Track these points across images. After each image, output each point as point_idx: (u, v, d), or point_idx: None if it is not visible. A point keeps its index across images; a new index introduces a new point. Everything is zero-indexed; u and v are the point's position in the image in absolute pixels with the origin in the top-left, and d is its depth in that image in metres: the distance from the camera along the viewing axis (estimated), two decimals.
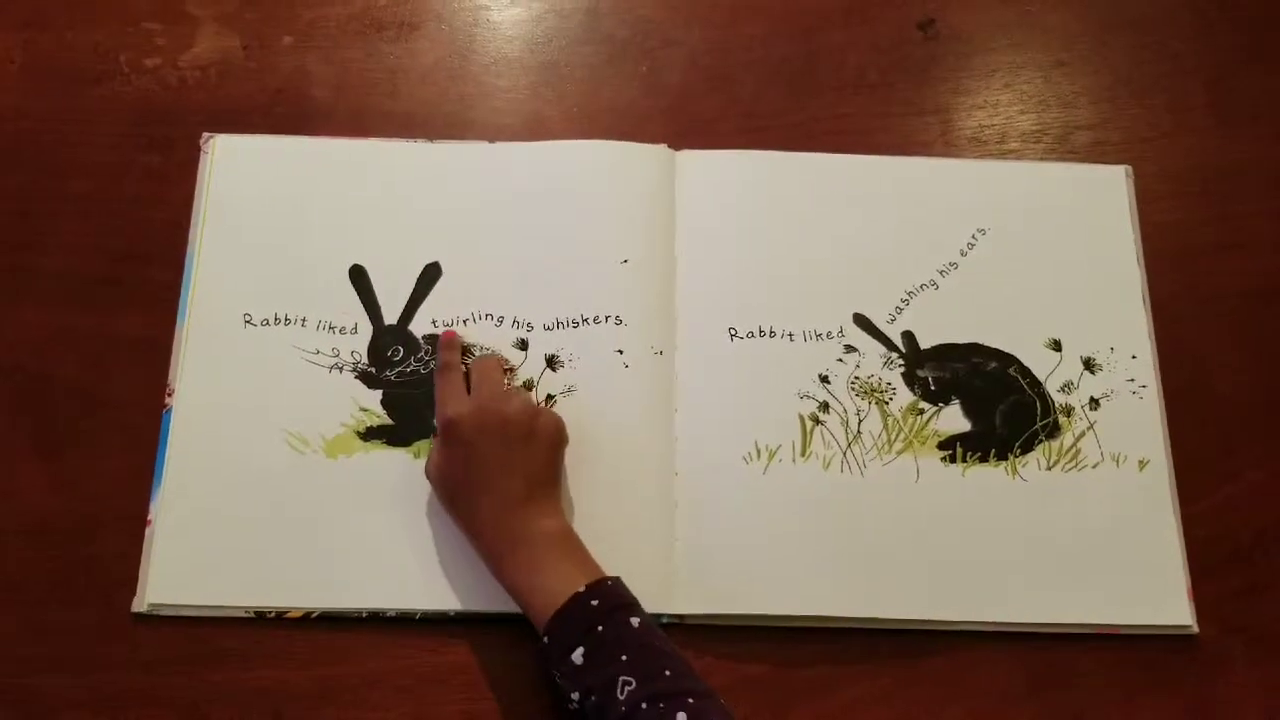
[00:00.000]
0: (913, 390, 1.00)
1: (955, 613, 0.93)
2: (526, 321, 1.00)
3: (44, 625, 0.91)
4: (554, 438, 0.92)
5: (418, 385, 0.98)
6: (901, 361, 1.01)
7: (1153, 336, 1.02)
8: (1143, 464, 0.98)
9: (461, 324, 1.00)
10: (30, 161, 1.05)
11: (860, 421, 0.99)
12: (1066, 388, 1.01)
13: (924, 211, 1.06)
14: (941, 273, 1.04)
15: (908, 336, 1.02)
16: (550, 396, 0.98)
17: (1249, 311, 1.05)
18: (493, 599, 0.91)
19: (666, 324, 1.00)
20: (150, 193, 1.04)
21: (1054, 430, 0.99)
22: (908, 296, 1.03)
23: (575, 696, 0.80)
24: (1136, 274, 1.05)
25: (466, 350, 0.98)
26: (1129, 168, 1.09)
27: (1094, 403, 1.00)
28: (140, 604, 0.91)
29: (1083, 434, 0.99)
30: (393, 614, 0.91)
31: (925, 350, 1.01)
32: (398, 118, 1.08)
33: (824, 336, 1.02)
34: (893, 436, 0.99)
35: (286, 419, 0.96)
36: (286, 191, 1.04)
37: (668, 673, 0.79)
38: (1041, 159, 1.10)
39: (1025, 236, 1.05)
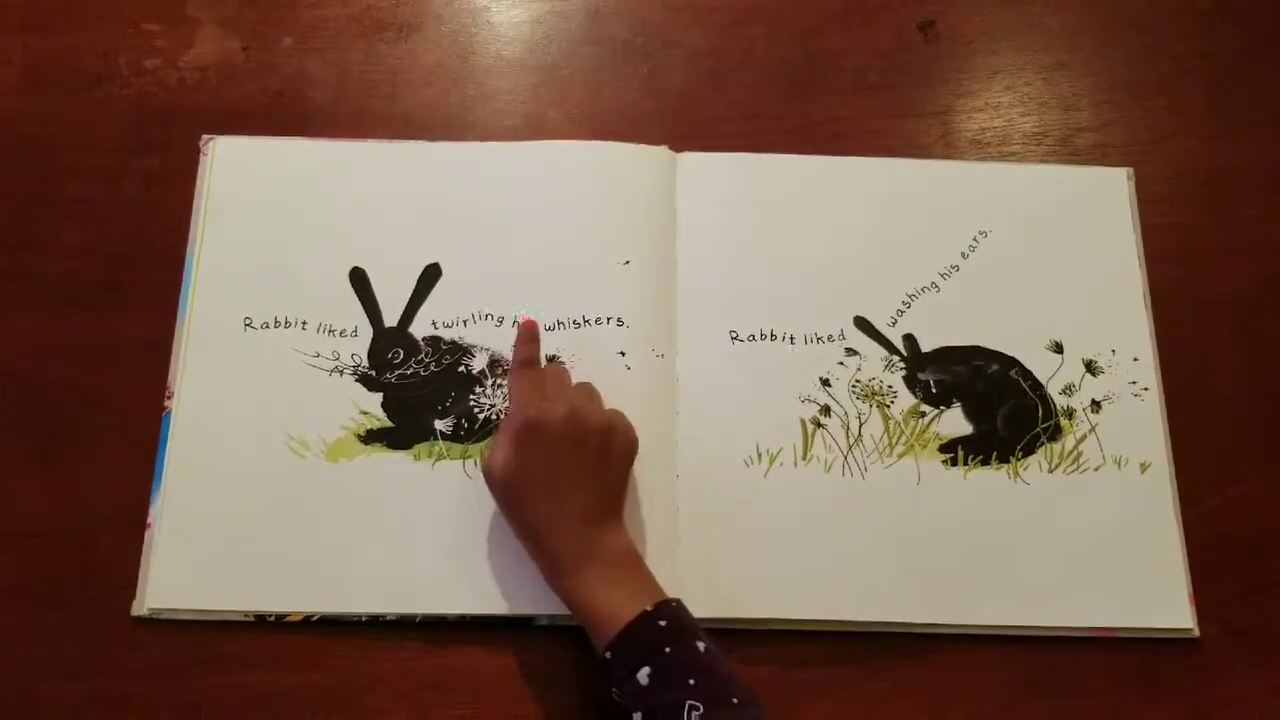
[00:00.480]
0: (914, 393, 1.00)
1: (956, 616, 0.93)
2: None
3: (43, 629, 0.91)
4: (627, 454, 0.90)
5: (418, 388, 0.98)
6: (903, 364, 1.01)
7: (1154, 339, 1.02)
8: (1144, 467, 0.98)
9: (462, 325, 1.00)
10: (29, 164, 1.04)
11: (861, 424, 0.99)
12: (1068, 390, 1.00)
13: (925, 214, 1.06)
14: (943, 275, 1.04)
15: (909, 339, 1.01)
16: None
17: (1251, 314, 1.05)
18: (493, 603, 0.91)
19: (667, 326, 1.00)
20: (150, 195, 1.04)
21: (1055, 433, 0.99)
22: (909, 299, 1.03)
23: (638, 717, 0.79)
24: (1138, 276, 1.05)
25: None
26: (1130, 170, 1.09)
27: (1095, 405, 1.00)
28: (140, 608, 0.90)
29: (1084, 437, 0.99)
30: (393, 618, 0.91)
31: (926, 353, 1.01)
32: (398, 119, 1.08)
33: (825, 339, 1.01)
34: (894, 439, 0.99)
35: (287, 422, 0.96)
36: (286, 193, 1.04)
37: (735, 700, 0.78)
38: (1043, 161, 1.10)
39: (1027, 239, 1.05)
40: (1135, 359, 1.02)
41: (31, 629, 0.91)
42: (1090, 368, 1.01)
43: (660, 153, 1.06)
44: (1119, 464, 0.98)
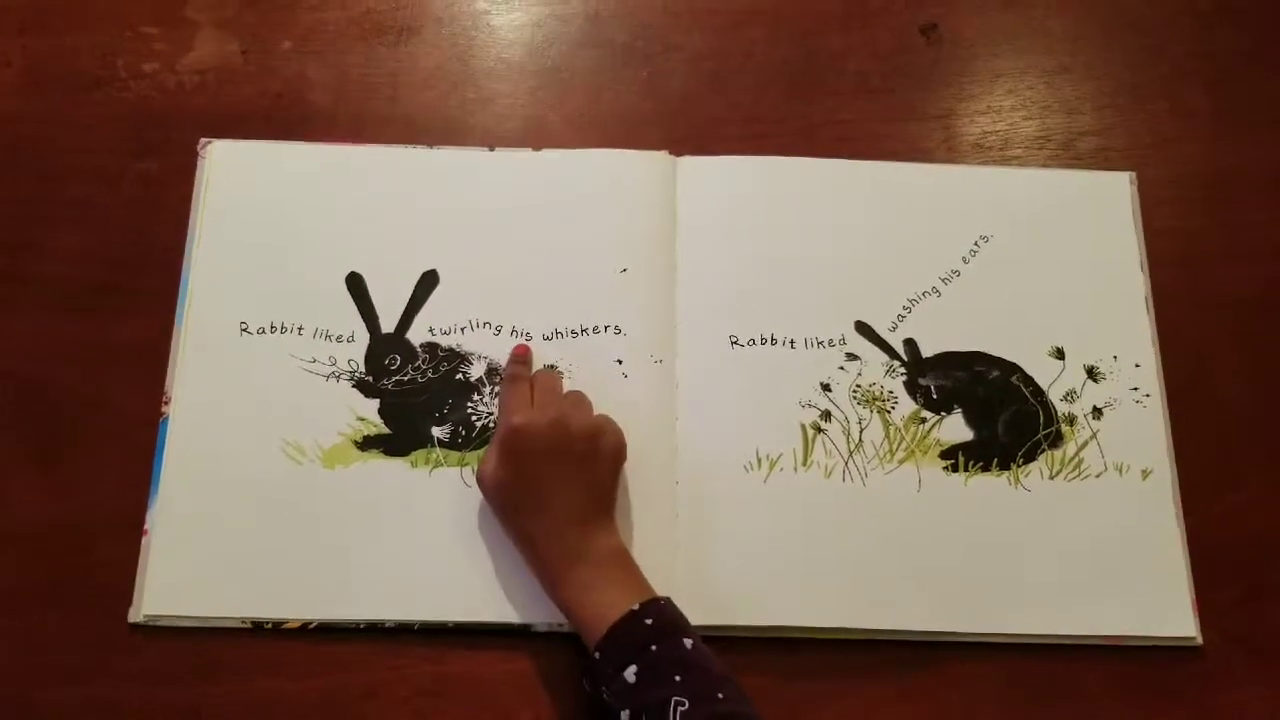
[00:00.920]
0: (915, 399, 1.00)
1: (957, 624, 0.93)
2: (525, 330, 1.00)
3: (40, 636, 0.90)
4: (616, 455, 0.91)
5: (415, 394, 0.98)
6: (903, 370, 1.00)
7: (1156, 344, 1.02)
8: (1146, 473, 0.98)
9: (459, 332, 0.99)
10: (27, 167, 1.04)
11: (862, 430, 0.98)
12: (1069, 396, 1.00)
13: (926, 218, 1.06)
14: (944, 280, 1.03)
15: (910, 344, 1.01)
16: None
17: (1253, 319, 1.05)
18: (491, 609, 0.91)
19: (666, 332, 1.00)
20: (148, 198, 1.03)
21: (1057, 439, 0.99)
22: (910, 304, 1.02)
23: (625, 715, 0.79)
24: (1140, 281, 1.04)
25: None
26: (1133, 174, 1.08)
27: (1097, 412, 1.00)
28: (137, 614, 0.90)
29: (1086, 443, 0.99)
30: (391, 625, 0.91)
31: (927, 358, 1.01)
32: (397, 123, 1.08)
33: (825, 344, 1.01)
34: (894, 445, 0.98)
35: (284, 428, 0.96)
36: (284, 197, 1.04)
37: (720, 695, 0.79)
38: (1045, 165, 1.09)
39: (1028, 243, 1.05)
40: (1137, 365, 1.01)
41: (28, 634, 0.90)
42: (1092, 374, 1.01)
43: (660, 158, 1.05)
44: (1120, 471, 0.98)
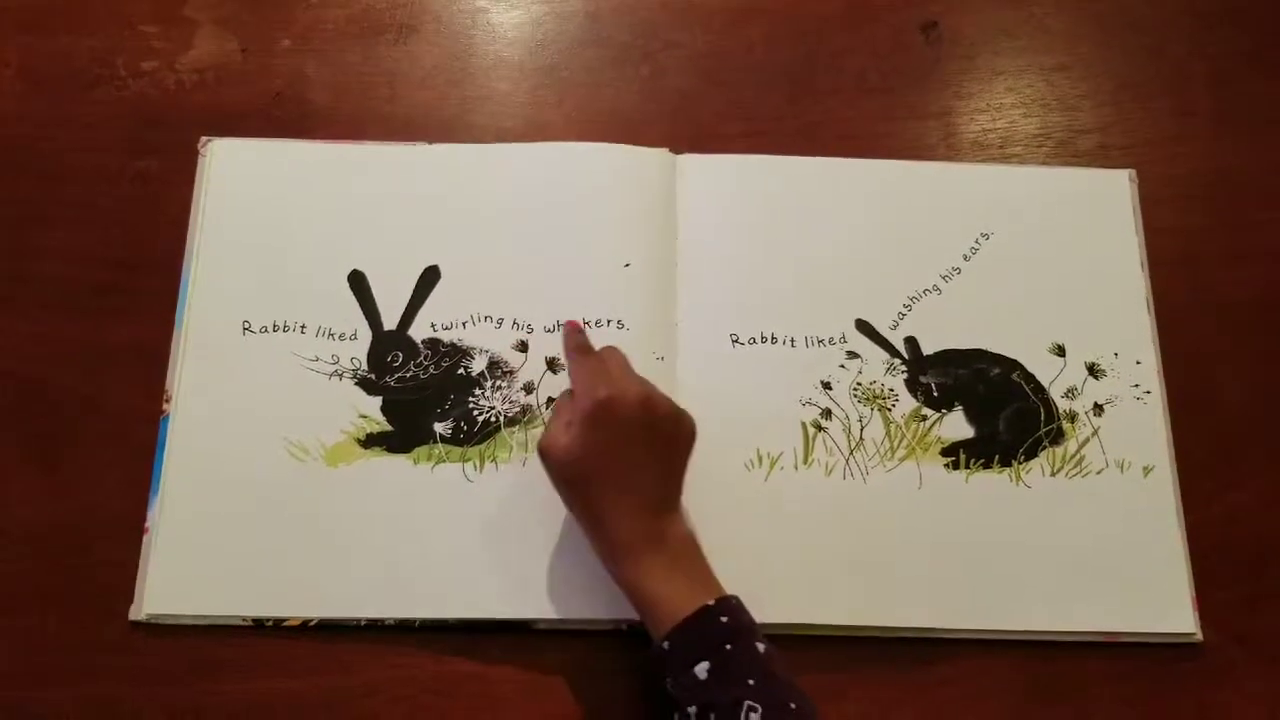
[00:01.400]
0: (915, 396, 1.00)
1: (959, 621, 0.93)
2: (527, 323, 1.00)
3: (41, 635, 0.90)
4: (691, 442, 0.89)
5: (417, 390, 0.98)
6: (904, 367, 1.01)
7: (1157, 342, 1.02)
8: (1147, 470, 0.98)
9: (461, 327, 1.00)
10: (26, 167, 1.04)
11: (863, 428, 0.99)
12: (1070, 393, 1.00)
13: (927, 216, 1.06)
14: (944, 278, 1.03)
15: (910, 342, 1.01)
16: (552, 399, 0.97)
17: (1254, 317, 1.05)
18: (492, 607, 0.91)
19: (668, 329, 1.00)
20: (148, 198, 1.03)
21: (1058, 436, 0.99)
22: (910, 302, 1.02)
23: (692, 710, 0.78)
24: (1140, 279, 1.04)
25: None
26: (1133, 172, 1.08)
27: (1098, 409, 1.00)
28: (138, 613, 0.90)
29: (1086, 440, 0.99)
30: (392, 622, 0.91)
31: (928, 356, 1.01)
32: (397, 121, 1.08)
33: (826, 342, 1.01)
34: (895, 443, 0.98)
35: (286, 427, 0.96)
36: (284, 196, 1.04)
37: (793, 705, 0.78)
38: (1045, 163, 1.09)
39: (1029, 241, 1.05)
40: (1138, 362, 1.01)
41: (29, 633, 0.90)
42: (1093, 371, 1.01)
43: (660, 155, 1.05)
44: (1121, 468, 0.98)
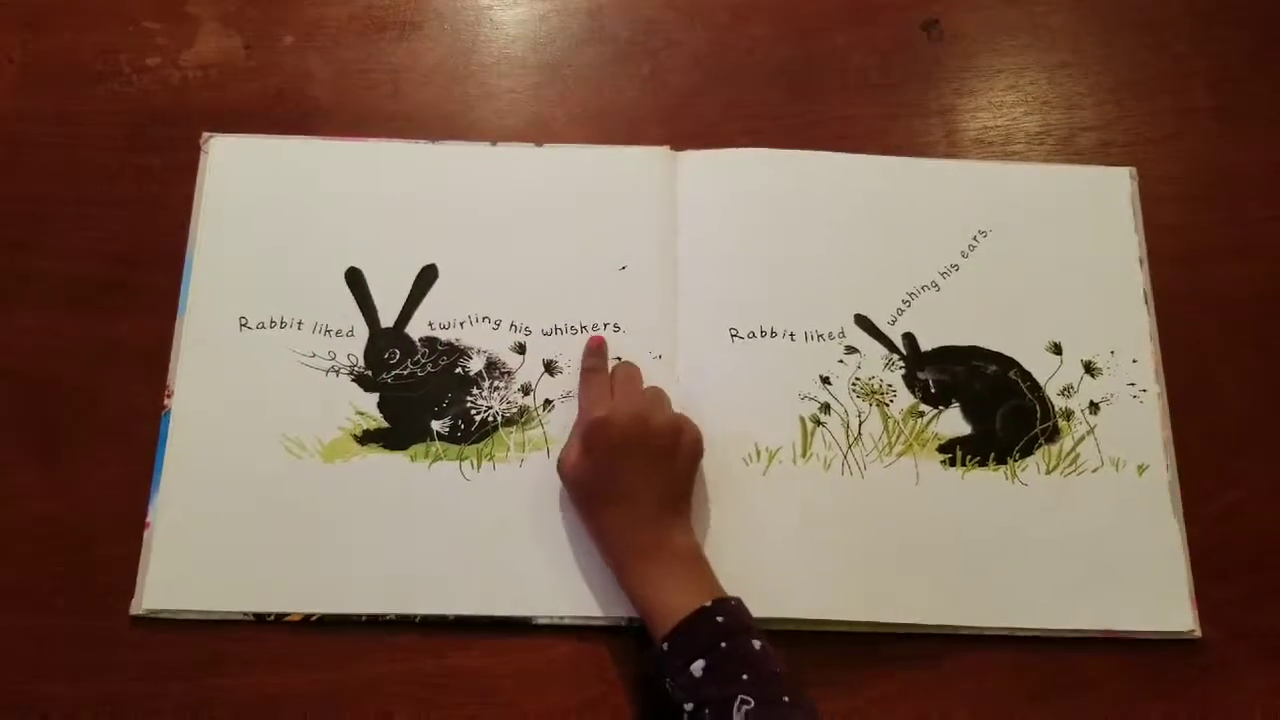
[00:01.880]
0: (913, 392, 1.00)
1: (955, 618, 0.93)
2: (524, 325, 1.00)
3: (43, 630, 0.91)
4: (694, 452, 0.92)
5: (414, 388, 0.98)
6: (902, 363, 1.01)
7: (1155, 340, 1.02)
8: (1142, 469, 0.98)
9: (458, 326, 1.00)
10: (29, 163, 1.04)
11: (861, 423, 0.99)
12: (1066, 391, 1.00)
13: (926, 212, 1.06)
14: (943, 274, 1.03)
15: (909, 338, 1.01)
16: (549, 401, 0.98)
17: (1253, 315, 1.05)
18: (492, 603, 0.92)
19: (666, 327, 1.00)
20: (150, 194, 1.04)
21: (1053, 434, 0.99)
22: (909, 298, 1.03)
23: (689, 707, 0.80)
24: (1138, 276, 1.04)
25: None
26: (1133, 169, 1.08)
27: (1094, 407, 1.00)
28: (139, 608, 0.91)
29: (1082, 438, 0.99)
30: (392, 618, 0.91)
31: (926, 352, 1.01)
32: (399, 118, 1.08)
33: (825, 337, 1.01)
34: (893, 439, 0.98)
35: (283, 423, 0.96)
36: (285, 193, 1.04)
37: (786, 699, 0.79)
38: (1046, 160, 1.09)
39: (1027, 239, 1.05)
40: (1134, 360, 1.01)
41: (30, 628, 0.91)
42: (1089, 369, 1.01)
43: (660, 153, 1.06)
44: (1117, 466, 0.98)
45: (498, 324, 1.00)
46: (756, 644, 0.82)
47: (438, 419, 0.97)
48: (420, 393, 0.98)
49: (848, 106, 1.11)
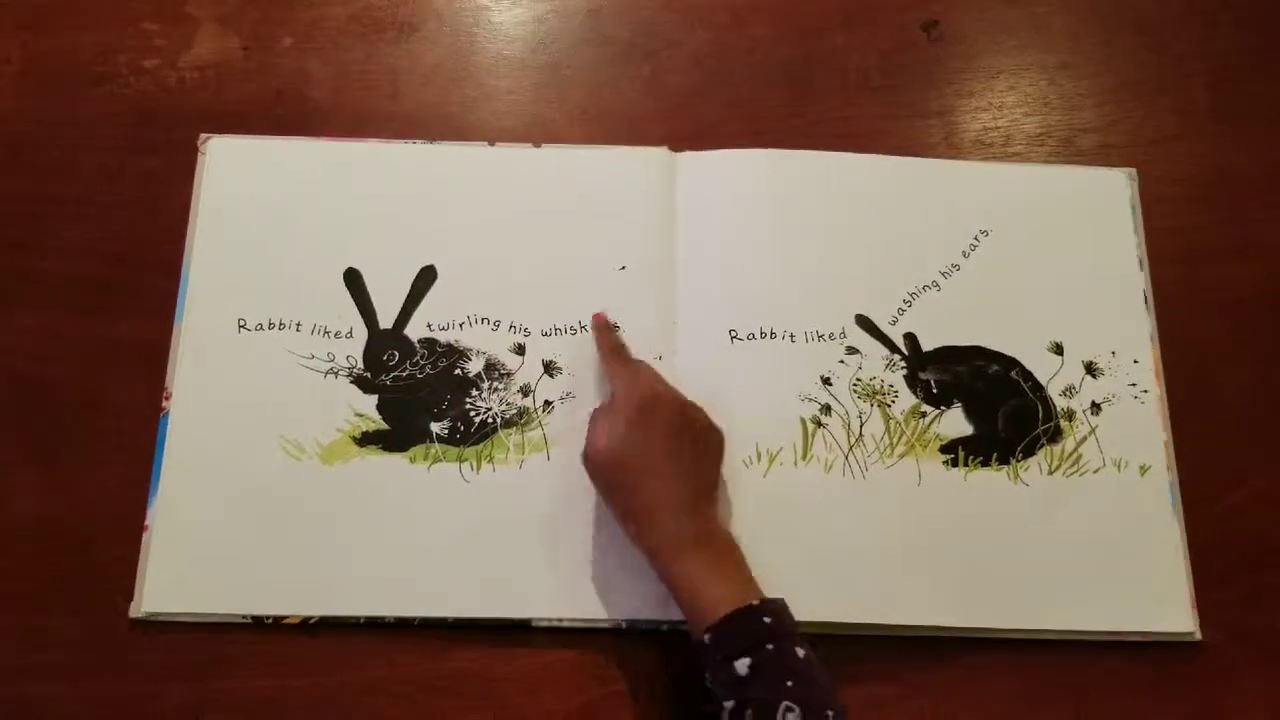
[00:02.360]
0: (915, 393, 1.00)
1: (957, 619, 0.93)
2: (524, 326, 1.00)
3: (41, 632, 0.91)
4: (720, 455, 0.92)
5: (413, 390, 0.98)
6: (903, 364, 1.00)
7: (1156, 341, 1.02)
8: (1144, 469, 0.98)
9: (457, 327, 1.00)
10: (28, 164, 1.04)
11: (862, 424, 0.99)
12: (1068, 391, 1.00)
13: (927, 213, 1.06)
14: (944, 274, 1.03)
15: (910, 338, 1.01)
16: (549, 402, 0.97)
17: (1254, 316, 1.05)
18: (491, 605, 0.91)
19: (666, 328, 1.00)
20: (149, 195, 1.04)
21: (1055, 434, 0.99)
22: (910, 298, 1.02)
23: (729, 705, 0.79)
24: (1139, 277, 1.04)
25: None
26: (1133, 171, 1.08)
27: (1095, 407, 1.00)
28: (138, 610, 0.91)
29: (1084, 438, 0.99)
30: (391, 620, 0.91)
31: (927, 352, 1.01)
32: (399, 119, 1.08)
33: (826, 338, 1.01)
34: (895, 439, 0.98)
35: (282, 425, 0.96)
36: (283, 193, 1.04)
37: (830, 713, 0.78)
38: (1046, 161, 1.09)
39: (1028, 239, 1.05)
40: (1135, 361, 1.01)
41: (29, 631, 0.91)
42: (1090, 369, 1.01)
43: (659, 154, 1.05)
44: (1119, 466, 0.98)
45: (497, 325, 1.00)
46: (800, 651, 0.81)
47: (437, 420, 0.97)
48: (419, 394, 0.98)
49: (848, 106, 1.11)
